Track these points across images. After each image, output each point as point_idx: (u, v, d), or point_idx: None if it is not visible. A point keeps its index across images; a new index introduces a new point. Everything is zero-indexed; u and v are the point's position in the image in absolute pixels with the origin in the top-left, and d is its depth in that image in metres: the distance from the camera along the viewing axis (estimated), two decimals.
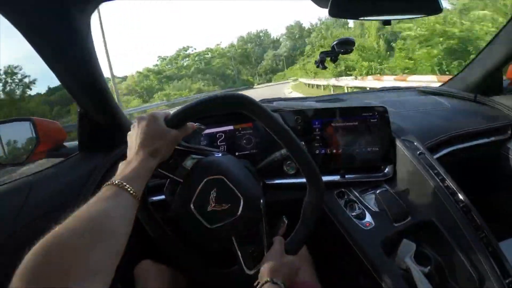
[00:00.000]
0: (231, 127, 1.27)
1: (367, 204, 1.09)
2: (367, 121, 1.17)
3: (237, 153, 1.24)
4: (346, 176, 1.17)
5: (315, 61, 1.42)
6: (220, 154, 0.93)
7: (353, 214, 1.06)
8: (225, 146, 1.26)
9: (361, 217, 1.06)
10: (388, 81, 9.66)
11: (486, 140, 1.32)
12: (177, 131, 0.79)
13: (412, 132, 1.20)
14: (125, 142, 1.29)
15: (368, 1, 1.04)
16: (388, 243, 0.98)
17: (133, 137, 0.79)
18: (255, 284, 0.78)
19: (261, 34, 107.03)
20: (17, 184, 1.03)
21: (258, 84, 72.12)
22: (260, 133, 1.24)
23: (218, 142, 1.26)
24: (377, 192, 1.10)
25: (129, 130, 1.30)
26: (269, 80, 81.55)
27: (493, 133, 1.34)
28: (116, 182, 0.65)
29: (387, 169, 1.18)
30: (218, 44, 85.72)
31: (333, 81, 14.94)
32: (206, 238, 0.85)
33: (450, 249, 0.93)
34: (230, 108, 0.82)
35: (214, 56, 79.22)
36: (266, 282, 0.76)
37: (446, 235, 0.95)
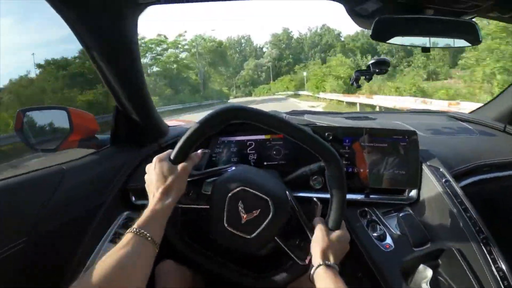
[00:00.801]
0: (262, 137, 1.28)
1: (388, 226, 1.10)
2: (397, 144, 1.17)
3: (265, 163, 1.26)
4: (371, 196, 1.18)
5: (350, 78, 1.43)
6: (233, 167, 0.95)
7: (374, 234, 1.07)
8: (254, 155, 1.28)
9: (382, 238, 1.07)
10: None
11: (510, 172, 1.31)
12: (184, 164, 0.81)
13: (439, 158, 1.19)
14: (157, 140, 1.33)
15: (408, 29, 1.05)
16: (406, 267, 0.99)
17: (148, 184, 0.83)
18: (311, 271, 0.80)
19: (242, 40, 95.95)
20: (51, 171, 1.05)
21: (235, 97, 65.35)
22: (289, 146, 1.25)
23: (248, 150, 1.28)
24: (400, 215, 1.10)
25: (163, 130, 1.33)
26: (249, 94, 74.64)
27: None
28: (134, 230, 0.70)
29: (411, 193, 1.18)
30: (181, 34, 45.93)
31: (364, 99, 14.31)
32: (252, 249, 0.87)
33: (467, 279, 0.92)
34: (225, 123, 0.82)
35: (165, 48, 42.68)
36: (319, 266, 0.78)
37: (464, 266, 0.95)
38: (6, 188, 0.92)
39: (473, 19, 1.07)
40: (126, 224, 1.18)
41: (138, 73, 1.12)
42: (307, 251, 0.85)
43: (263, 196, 0.84)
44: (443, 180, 1.11)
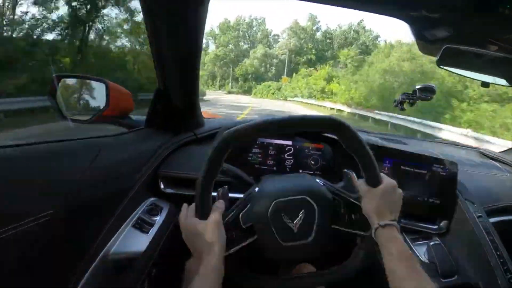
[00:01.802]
0: (302, 144, 1.27)
1: (417, 253, 1.09)
2: (436, 173, 1.18)
3: (301, 170, 1.24)
4: (402, 220, 1.17)
5: (394, 100, 1.42)
6: (256, 188, 0.90)
7: None
8: (291, 161, 1.27)
9: None
10: None
11: None
12: (214, 216, 0.78)
13: (473, 193, 1.20)
14: (192, 130, 1.30)
15: (473, 62, 1.06)
16: None
17: (189, 245, 0.83)
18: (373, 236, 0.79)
19: (255, 22, 73.18)
20: (88, 143, 1.01)
21: (229, 92, 54.29)
22: (328, 157, 1.24)
23: (286, 155, 1.27)
24: (431, 244, 1.10)
25: (200, 121, 1.30)
26: (247, 90, 57.29)
27: None
28: None
29: (442, 223, 1.18)
30: None
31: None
32: (316, 251, 0.84)
33: None
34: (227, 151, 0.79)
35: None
36: (377, 228, 0.77)
37: None
38: (39, 154, 0.86)
39: None
40: (151, 211, 1.15)
41: (196, 56, 1.09)
42: (366, 221, 0.83)
43: (298, 196, 0.81)
44: (477, 215, 1.11)
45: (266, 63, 64.11)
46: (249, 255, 0.86)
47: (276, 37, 72.63)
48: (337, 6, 0.99)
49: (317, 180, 0.88)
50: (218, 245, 0.74)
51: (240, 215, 0.83)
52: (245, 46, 72.11)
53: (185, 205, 0.83)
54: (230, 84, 63.15)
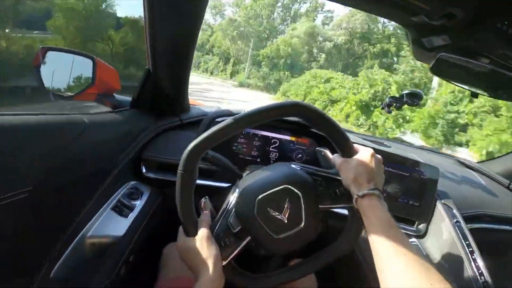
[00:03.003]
0: (287, 137, 1.27)
1: None
2: (417, 176, 1.20)
3: None
4: None
5: (382, 102, 1.43)
6: (236, 188, 0.90)
7: None
8: (276, 153, 1.26)
9: None
10: None
11: (509, 227, 1.37)
12: (202, 231, 0.77)
13: (452, 199, 1.23)
14: (178, 115, 1.28)
15: (465, 73, 1.08)
16: None
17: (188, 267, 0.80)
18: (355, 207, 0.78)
19: None
20: (71, 119, 0.96)
21: (242, 84, 31.43)
22: (312, 153, 1.24)
23: (271, 147, 1.26)
24: None
25: (185, 106, 1.28)
26: (272, 86, 29.32)
27: None
28: None
29: (420, 225, 1.21)
30: None
31: None
32: (311, 233, 0.83)
33: None
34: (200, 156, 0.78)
35: None
36: (356, 199, 0.76)
37: None
38: (20, 126, 0.80)
39: None
40: (131, 194, 1.13)
41: (192, 39, 1.07)
42: (349, 192, 0.82)
43: (279, 187, 0.80)
44: (454, 220, 1.14)
45: (312, 45, 35.75)
46: (244, 256, 0.85)
47: (330, 13, 43.04)
48: (340, 4, 0.98)
49: (293, 166, 0.87)
50: (212, 257, 0.73)
51: (228, 221, 0.82)
52: (279, 24, 43.54)
53: (180, 228, 0.81)
54: (246, 70, 35.56)
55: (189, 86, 1.24)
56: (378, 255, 0.68)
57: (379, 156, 0.84)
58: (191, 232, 0.78)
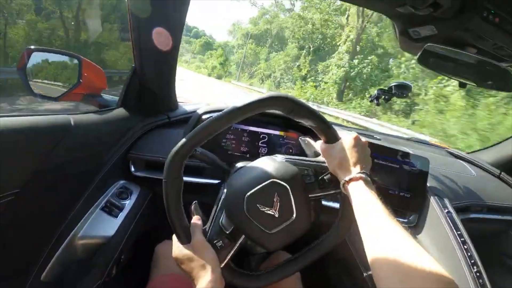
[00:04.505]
0: (276, 132, 1.26)
1: None
2: (409, 168, 1.20)
3: None
4: None
5: (370, 95, 1.43)
6: (225, 187, 0.88)
7: None
8: (265, 148, 1.26)
9: None
10: None
11: (499, 217, 1.38)
12: (195, 238, 0.76)
13: (442, 190, 1.23)
14: (166, 113, 1.27)
15: (451, 62, 1.08)
16: None
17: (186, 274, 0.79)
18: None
19: None
20: (58, 120, 0.95)
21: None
22: (301, 146, 1.24)
23: (260, 143, 1.26)
24: None
25: (173, 104, 1.27)
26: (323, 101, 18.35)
27: (508, 212, 1.41)
28: None
29: (412, 216, 1.21)
30: None
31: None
32: (303, 225, 0.82)
33: None
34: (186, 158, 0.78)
35: None
36: (343, 184, 0.76)
37: None
38: (7, 127, 0.79)
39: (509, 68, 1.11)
40: (120, 194, 1.12)
41: (177, 35, 1.06)
42: (335, 179, 0.82)
43: (266, 182, 0.80)
44: (446, 210, 1.15)
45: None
46: (240, 256, 0.85)
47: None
48: None
49: (278, 159, 0.87)
50: (209, 262, 0.73)
51: (220, 223, 0.81)
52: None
53: (174, 236, 0.80)
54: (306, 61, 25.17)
55: None
56: (364, 232, 0.67)
57: (364, 140, 0.84)
58: (185, 239, 0.77)
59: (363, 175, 0.74)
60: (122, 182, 1.15)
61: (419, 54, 1.04)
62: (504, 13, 0.89)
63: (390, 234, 0.63)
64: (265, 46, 40.68)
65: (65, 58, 1.17)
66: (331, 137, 0.83)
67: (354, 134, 0.83)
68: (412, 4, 0.89)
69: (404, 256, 0.58)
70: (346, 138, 0.81)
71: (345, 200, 0.82)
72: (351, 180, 0.75)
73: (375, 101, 1.40)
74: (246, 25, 48.38)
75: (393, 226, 0.64)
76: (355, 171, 0.75)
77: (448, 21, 0.94)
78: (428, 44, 1.02)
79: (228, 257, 0.78)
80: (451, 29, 0.97)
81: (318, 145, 0.87)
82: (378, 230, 0.65)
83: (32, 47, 1.10)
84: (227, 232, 0.79)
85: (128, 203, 1.11)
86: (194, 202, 0.86)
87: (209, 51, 49.49)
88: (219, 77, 42.46)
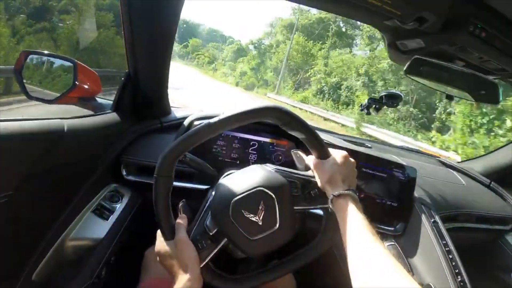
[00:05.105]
0: (267, 139, 1.28)
1: None
2: (395, 177, 1.21)
3: None
4: None
5: (361, 104, 1.43)
6: (213, 191, 0.89)
7: None
8: (255, 156, 1.28)
9: None
10: None
11: (489, 226, 1.39)
12: (179, 235, 0.78)
13: (430, 199, 1.24)
14: (159, 118, 1.29)
15: (439, 75, 1.09)
16: None
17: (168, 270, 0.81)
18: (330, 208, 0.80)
19: None
20: (53, 124, 0.95)
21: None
22: (290, 156, 1.26)
23: (250, 149, 1.28)
24: (386, 245, 1.15)
25: (166, 109, 1.29)
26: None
27: (497, 221, 1.42)
28: None
29: (398, 225, 1.22)
30: None
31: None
32: (286, 235, 0.84)
33: None
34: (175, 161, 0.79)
35: None
36: (332, 199, 0.78)
37: None
38: (2, 131, 0.80)
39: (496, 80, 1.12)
40: (111, 197, 1.14)
41: (169, 41, 1.07)
42: (324, 194, 0.83)
43: (253, 189, 0.81)
44: (432, 220, 1.16)
45: None
46: (222, 258, 0.86)
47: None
48: (315, 8, 0.99)
49: (268, 169, 0.88)
50: (189, 260, 0.75)
51: (205, 224, 0.83)
52: None
53: (158, 231, 0.82)
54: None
55: None
56: (349, 255, 0.68)
57: (353, 160, 0.86)
58: (169, 235, 0.79)
59: (351, 192, 0.77)
60: (113, 185, 1.17)
61: (406, 65, 1.05)
62: (490, 27, 0.91)
63: (372, 254, 0.65)
64: (321, 42, 26.00)
65: (60, 62, 1.19)
66: (323, 154, 0.84)
67: (344, 152, 0.85)
68: (398, 19, 0.90)
69: (383, 274, 0.61)
70: (337, 156, 0.84)
71: (330, 216, 0.84)
72: (340, 195, 0.77)
73: (365, 111, 1.40)
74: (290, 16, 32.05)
75: (375, 246, 0.66)
76: (344, 187, 0.78)
77: (435, 35, 0.96)
78: (415, 56, 1.03)
79: (209, 257, 0.80)
80: (438, 43, 0.99)
81: (309, 159, 0.88)
82: (360, 249, 0.67)
83: (28, 50, 1.13)
84: (211, 234, 0.81)
85: (119, 207, 1.13)
86: (182, 200, 0.89)
87: (242, 57, 40.40)
88: (249, 88, 29.80)
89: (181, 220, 0.82)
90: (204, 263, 0.79)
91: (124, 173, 1.20)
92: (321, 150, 0.84)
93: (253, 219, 0.80)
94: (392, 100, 1.36)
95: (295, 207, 0.84)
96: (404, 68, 1.06)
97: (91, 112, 1.20)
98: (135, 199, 1.19)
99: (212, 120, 0.77)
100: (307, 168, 0.91)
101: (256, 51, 36.02)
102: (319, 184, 0.83)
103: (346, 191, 0.77)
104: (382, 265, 0.62)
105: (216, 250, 0.81)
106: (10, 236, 0.87)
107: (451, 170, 1.66)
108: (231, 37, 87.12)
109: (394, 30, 1.03)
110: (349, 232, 0.71)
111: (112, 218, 1.09)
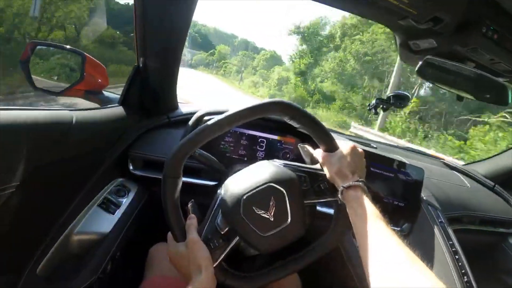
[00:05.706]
0: (275, 137, 1.28)
1: None
2: (403, 177, 1.21)
3: None
4: None
5: (369, 104, 1.44)
6: (222, 191, 0.88)
7: None
8: (263, 153, 1.27)
9: None
10: None
11: (492, 229, 1.40)
12: (190, 236, 0.77)
13: (436, 200, 1.25)
14: (166, 113, 1.28)
15: (450, 75, 1.09)
16: None
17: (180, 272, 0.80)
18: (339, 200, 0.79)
19: None
20: (61, 115, 0.94)
21: None
22: (298, 151, 1.26)
23: (258, 146, 1.27)
24: None
25: (174, 104, 1.28)
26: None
27: (500, 224, 1.42)
28: None
29: (405, 225, 1.22)
30: None
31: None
32: (298, 231, 0.83)
33: None
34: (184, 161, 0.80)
35: None
36: (342, 191, 0.77)
37: None
38: (10, 121, 0.78)
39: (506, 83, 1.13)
40: (118, 191, 1.13)
41: (182, 36, 1.07)
42: (334, 186, 0.83)
43: (263, 186, 0.81)
44: (438, 220, 1.16)
45: None
46: (235, 256, 0.85)
47: None
48: (329, 6, 0.99)
49: (276, 164, 0.87)
50: (202, 261, 0.74)
51: (216, 223, 0.82)
52: None
53: (169, 233, 0.81)
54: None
55: None
56: (364, 247, 0.66)
57: (360, 150, 0.86)
58: (180, 236, 0.78)
59: (361, 183, 0.76)
60: (120, 180, 1.16)
61: (418, 65, 1.05)
62: (503, 30, 0.91)
63: (388, 245, 0.63)
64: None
65: (68, 54, 1.18)
66: (331, 146, 0.84)
67: (351, 143, 0.85)
68: (413, 18, 0.91)
69: (401, 270, 0.57)
70: (344, 147, 0.83)
71: (340, 208, 0.84)
72: (350, 187, 0.76)
73: (373, 111, 1.41)
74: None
75: (390, 237, 0.65)
76: (354, 178, 0.77)
77: (448, 35, 0.96)
78: (427, 56, 1.03)
79: (222, 257, 0.79)
80: (451, 44, 0.99)
81: (317, 153, 0.88)
82: (376, 241, 0.65)
83: (36, 40, 1.11)
84: (222, 233, 0.80)
85: (125, 201, 1.12)
86: (191, 201, 0.88)
87: (276, 66, 37.37)
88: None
89: (191, 221, 0.81)
90: (217, 262, 0.78)
91: (131, 167, 1.19)
92: (329, 142, 0.84)
93: (265, 215, 0.80)
94: (401, 101, 1.36)
95: (305, 201, 0.84)
96: (416, 69, 1.06)
97: (98, 106, 1.19)
98: (142, 194, 1.18)
99: (218, 118, 0.77)
100: (314, 162, 0.91)
101: (305, 44, 25.65)
102: (328, 176, 0.83)
103: (356, 182, 0.76)
104: (402, 260, 0.60)
105: (228, 249, 0.80)
106: (15, 228, 0.85)
107: (455, 172, 1.66)
108: (263, 49, 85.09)
109: (407, 30, 1.03)
110: (362, 223, 0.70)
111: (118, 212, 1.08)
